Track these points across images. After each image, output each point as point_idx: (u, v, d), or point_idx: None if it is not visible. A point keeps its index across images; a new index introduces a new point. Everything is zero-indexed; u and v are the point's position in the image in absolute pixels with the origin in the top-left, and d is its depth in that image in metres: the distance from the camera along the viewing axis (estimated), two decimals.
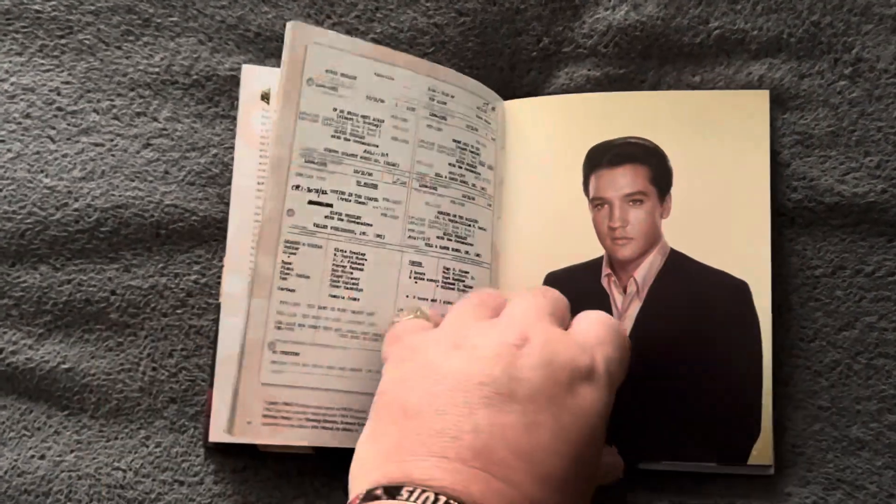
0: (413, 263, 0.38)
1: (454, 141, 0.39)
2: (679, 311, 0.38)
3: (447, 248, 0.38)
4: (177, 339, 0.40)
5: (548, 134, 0.41)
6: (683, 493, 0.38)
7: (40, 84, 0.42)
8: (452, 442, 0.27)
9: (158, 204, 0.41)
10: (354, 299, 0.36)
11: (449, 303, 0.38)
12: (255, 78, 0.42)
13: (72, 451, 0.40)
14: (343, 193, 0.37)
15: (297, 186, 0.36)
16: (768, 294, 0.38)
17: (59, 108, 0.42)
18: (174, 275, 0.41)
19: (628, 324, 0.38)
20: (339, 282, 0.36)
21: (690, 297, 0.38)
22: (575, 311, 0.34)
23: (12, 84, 0.42)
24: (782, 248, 0.39)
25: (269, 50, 0.43)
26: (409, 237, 0.38)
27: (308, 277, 0.36)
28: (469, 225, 0.39)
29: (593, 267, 0.39)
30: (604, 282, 0.39)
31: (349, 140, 0.37)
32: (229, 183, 0.41)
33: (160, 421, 0.40)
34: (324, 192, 0.36)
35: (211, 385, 0.39)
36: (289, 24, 0.36)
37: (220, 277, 0.40)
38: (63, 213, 0.41)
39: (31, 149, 0.41)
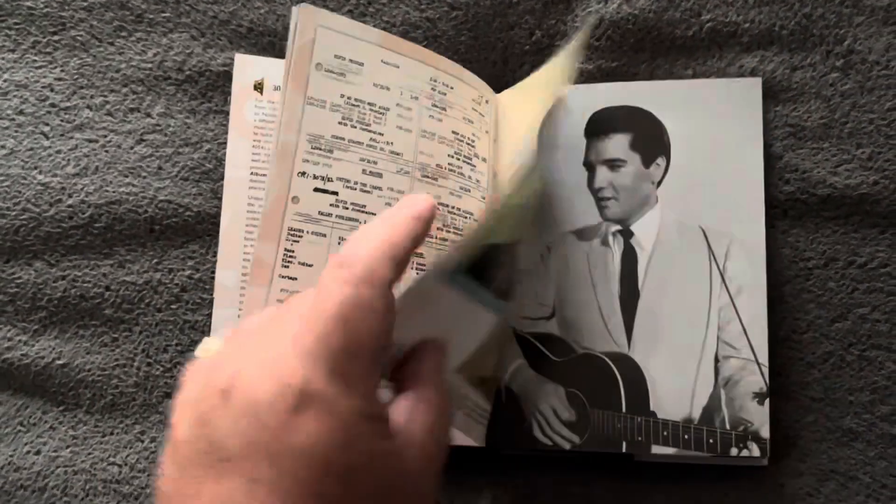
0: (414, 254, 0.38)
1: (453, 132, 0.39)
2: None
3: (445, 240, 0.38)
4: (171, 334, 0.40)
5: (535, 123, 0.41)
6: (678, 484, 0.38)
7: (33, 80, 0.42)
8: None
9: (152, 199, 0.41)
10: None
11: None
12: (248, 67, 0.42)
13: (67, 447, 0.40)
14: (349, 181, 0.36)
15: (304, 173, 0.35)
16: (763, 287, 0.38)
17: (53, 105, 0.42)
18: (168, 270, 0.41)
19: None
20: None
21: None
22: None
23: (5, 81, 0.42)
24: (775, 239, 0.39)
25: (261, 45, 0.43)
26: None
27: (311, 266, 0.35)
28: (465, 217, 0.39)
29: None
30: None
31: (356, 127, 0.36)
32: (223, 178, 0.41)
33: (155, 416, 0.40)
34: (330, 180, 0.36)
35: None
36: (295, 8, 0.35)
37: (213, 273, 0.40)
38: (57, 209, 0.41)
39: (25, 145, 0.41)
